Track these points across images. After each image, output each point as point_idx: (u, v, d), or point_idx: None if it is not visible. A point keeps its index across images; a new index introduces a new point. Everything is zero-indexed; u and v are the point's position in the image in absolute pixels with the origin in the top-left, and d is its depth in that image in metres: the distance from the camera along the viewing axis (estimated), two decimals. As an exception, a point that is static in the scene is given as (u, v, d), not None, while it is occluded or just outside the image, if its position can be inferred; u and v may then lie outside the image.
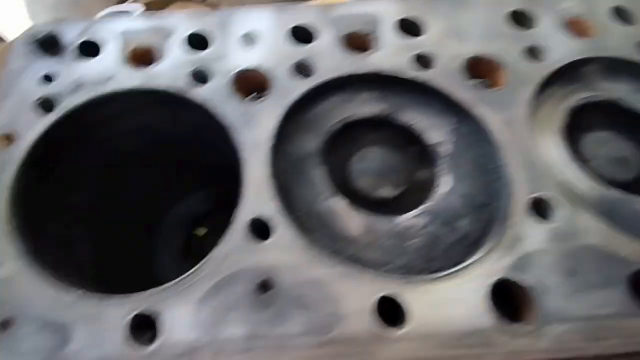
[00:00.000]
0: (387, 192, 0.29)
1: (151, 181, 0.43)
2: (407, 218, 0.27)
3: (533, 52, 0.32)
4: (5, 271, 0.26)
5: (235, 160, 0.28)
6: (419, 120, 0.31)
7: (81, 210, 0.36)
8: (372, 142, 0.31)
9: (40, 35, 0.33)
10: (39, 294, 0.25)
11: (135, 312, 0.24)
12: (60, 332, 0.24)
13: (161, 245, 0.50)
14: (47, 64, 0.33)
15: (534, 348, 0.22)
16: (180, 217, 0.51)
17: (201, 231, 0.52)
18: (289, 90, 0.30)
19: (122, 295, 0.25)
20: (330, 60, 0.31)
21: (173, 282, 0.25)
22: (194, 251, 0.49)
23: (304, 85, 0.31)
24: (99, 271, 0.35)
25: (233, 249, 0.25)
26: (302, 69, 0.31)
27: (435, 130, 0.31)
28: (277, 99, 0.30)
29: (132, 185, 0.41)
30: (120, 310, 0.24)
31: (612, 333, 0.22)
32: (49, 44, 0.34)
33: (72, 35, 0.34)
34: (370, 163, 0.30)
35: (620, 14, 0.34)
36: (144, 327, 0.25)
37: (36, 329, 0.24)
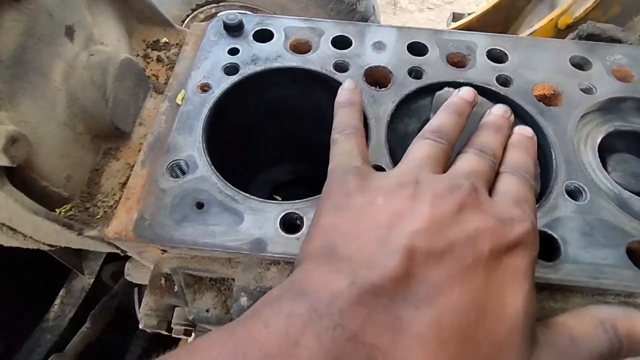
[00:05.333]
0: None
1: (268, 142, 0.57)
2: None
3: (586, 87, 0.43)
4: (201, 172, 0.39)
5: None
6: (493, 121, 0.43)
7: (231, 143, 0.49)
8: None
9: (230, 21, 0.48)
10: (220, 190, 0.37)
11: (285, 212, 0.36)
12: (236, 215, 0.35)
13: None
14: (232, 41, 0.47)
15: (550, 276, 0.33)
16: (267, 180, 0.64)
17: (278, 198, 0.65)
18: (403, 86, 0.43)
19: (276, 201, 0.38)
20: (435, 69, 0.44)
21: (312, 198, 0.37)
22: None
23: (414, 85, 0.43)
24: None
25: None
26: (415, 73, 0.44)
27: (503, 131, 0.43)
28: (395, 91, 0.43)
29: (258, 138, 0.55)
30: (276, 209, 0.36)
31: (606, 275, 0.33)
32: (235, 28, 0.48)
33: (251, 25, 0.49)
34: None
35: (657, 69, 0.45)
36: (289, 224, 0.37)
37: (220, 211, 0.36)
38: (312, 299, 0.21)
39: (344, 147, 0.33)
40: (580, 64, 0.45)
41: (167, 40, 0.47)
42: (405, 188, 0.27)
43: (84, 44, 0.36)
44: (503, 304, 0.22)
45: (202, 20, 1.78)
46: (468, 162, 0.31)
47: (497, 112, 0.37)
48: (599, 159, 0.41)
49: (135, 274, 0.46)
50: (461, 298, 0.21)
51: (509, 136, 0.36)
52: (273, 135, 0.55)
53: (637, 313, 0.28)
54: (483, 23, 1.01)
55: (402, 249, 0.22)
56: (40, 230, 0.31)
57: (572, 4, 0.73)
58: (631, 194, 0.39)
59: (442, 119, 0.35)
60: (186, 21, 1.76)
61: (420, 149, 0.32)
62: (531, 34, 0.81)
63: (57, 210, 0.33)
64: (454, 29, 1.02)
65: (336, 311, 0.20)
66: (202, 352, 0.20)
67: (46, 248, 0.35)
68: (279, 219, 0.35)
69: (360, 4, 1.67)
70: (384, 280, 0.21)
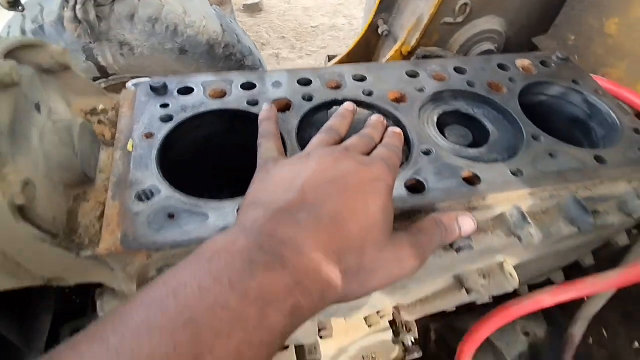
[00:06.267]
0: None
1: (198, 174, 0.68)
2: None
3: (419, 88, 0.64)
4: (166, 194, 0.48)
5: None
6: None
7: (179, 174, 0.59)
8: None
9: (155, 84, 0.60)
10: (184, 202, 0.47)
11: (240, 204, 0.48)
12: (202, 215, 0.45)
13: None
14: (161, 99, 0.59)
15: (422, 202, 0.50)
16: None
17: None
18: (301, 107, 0.59)
19: (231, 198, 0.49)
20: (320, 93, 0.62)
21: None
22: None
23: (308, 105, 0.60)
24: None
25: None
26: (307, 97, 0.61)
27: (375, 125, 0.61)
28: (296, 112, 0.59)
29: (200, 168, 0.66)
30: (232, 204, 0.47)
31: (454, 193, 0.51)
32: (161, 89, 0.60)
33: (173, 85, 0.61)
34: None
35: (457, 70, 0.69)
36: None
37: (188, 215, 0.46)
38: (242, 224, 0.35)
39: (265, 146, 0.48)
40: (413, 74, 0.67)
41: (104, 107, 0.57)
42: (303, 158, 0.43)
43: (48, 115, 0.45)
44: (367, 208, 0.37)
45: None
46: (349, 141, 0.48)
47: (375, 117, 0.55)
48: (438, 131, 0.61)
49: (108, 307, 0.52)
50: (336, 205, 0.36)
51: (384, 134, 0.54)
52: (212, 163, 0.67)
53: (450, 212, 0.48)
54: (351, 59, 1.27)
55: (298, 187, 0.37)
56: (44, 259, 0.38)
57: (407, 37, 1.00)
58: (461, 146, 0.59)
59: (332, 121, 0.52)
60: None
61: (316, 139, 0.49)
62: (386, 62, 1.06)
63: (50, 246, 0.40)
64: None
65: (258, 226, 0.33)
66: None
67: (41, 283, 0.41)
68: (236, 210, 0.46)
69: (247, 60, 1.88)
70: (286, 204, 0.36)
